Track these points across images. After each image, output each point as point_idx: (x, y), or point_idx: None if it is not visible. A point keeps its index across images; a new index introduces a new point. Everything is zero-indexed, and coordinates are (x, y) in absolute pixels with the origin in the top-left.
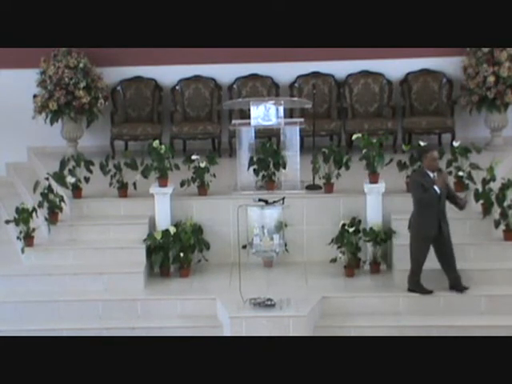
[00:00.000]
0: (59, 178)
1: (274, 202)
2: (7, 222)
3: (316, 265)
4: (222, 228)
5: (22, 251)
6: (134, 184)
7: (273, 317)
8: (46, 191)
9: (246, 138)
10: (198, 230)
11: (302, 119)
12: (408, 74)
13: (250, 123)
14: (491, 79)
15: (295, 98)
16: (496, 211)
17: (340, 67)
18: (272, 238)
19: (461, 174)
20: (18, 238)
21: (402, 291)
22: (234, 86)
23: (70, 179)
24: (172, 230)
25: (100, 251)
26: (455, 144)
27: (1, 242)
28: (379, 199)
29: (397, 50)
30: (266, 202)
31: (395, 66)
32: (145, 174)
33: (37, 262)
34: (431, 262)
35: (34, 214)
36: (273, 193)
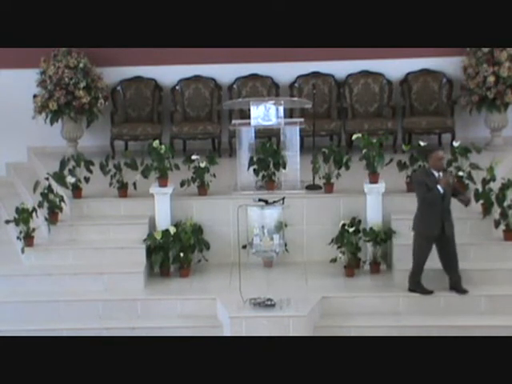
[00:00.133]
0: (59, 178)
1: (274, 202)
2: (7, 221)
3: (316, 265)
4: (221, 228)
5: (22, 251)
6: (134, 184)
7: (273, 317)
8: (46, 191)
9: (246, 138)
10: (198, 230)
11: (301, 119)
12: (408, 74)
13: (250, 123)
14: (491, 79)
15: (295, 98)
16: (496, 211)
17: (340, 67)
18: (272, 238)
19: (461, 173)
20: (18, 238)
21: (402, 291)
22: (234, 85)
23: (70, 179)
24: (172, 229)
25: (100, 251)
26: (455, 144)
27: (1, 242)
28: (379, 199)
29: (397, 50)
30: (266, 202)
31: (395, 66)
32: (145, 174)
33: (37, 262)
34: (432, 261)
35: (34, 214)
36: (273, 193)
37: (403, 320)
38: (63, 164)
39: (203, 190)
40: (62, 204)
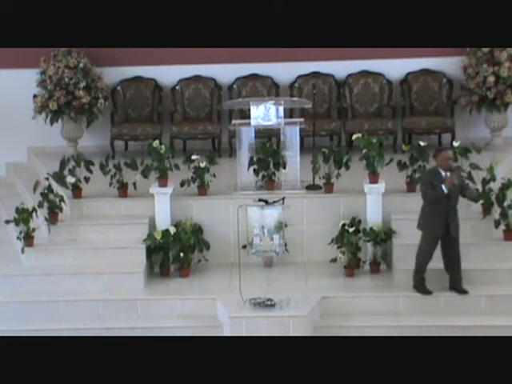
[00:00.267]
0: (59, 178)
1: (274, 202)
2: (7, 221)
3: (316, 265)
4: (221, 228)
5: (22, 251)
6: (134, 184)
7: (273, 317)
8: (46, 191)
9: (246, 138)
10: (198, 230)
11: (301, 119)
12: (408, 74)
13: (250, 123)
14: (491, 79)
15: (295, 98)
16: (496, 211)
17: (340, 67)
18: (272, 238)
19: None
20: (18, 238)
21: (402, 291)
22: (234, 85)
23: (70, 179)
24: (172, 229)
25: (100, 251)
26: (455, 144)
27: (1, 242)
28: (379, 199)
29: (397, 50)
30: (266, 202)
31: (395, 66)
32: (145, 174)
33: (37, 262)
34: (432, 261)
35: (34, 214)
36: (273, 193)
37: (403, 320)
38: (63, 164)
39: (203, 189)
40: (62, 204)
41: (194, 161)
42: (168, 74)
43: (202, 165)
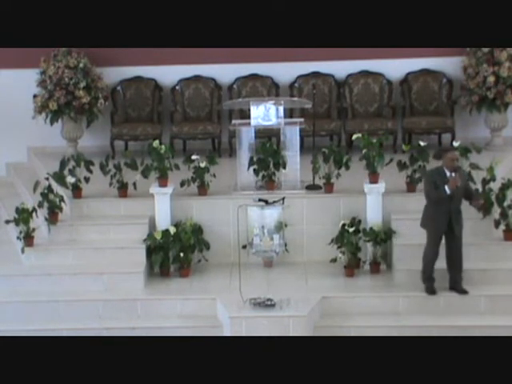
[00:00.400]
0: (59, 178)
1: (274, 202)
2: (7, 221)
3: (316, 265)
4: (221, 228)
5: (22, 251)
6: (134, 184)
7: (273, 317)
8: (46, 191)
9: (246, 138)
10: (198, 230)
11: (301, 119)
12: (408, 73)
13: (250, 123)
14: (491, 79)
15: (295, 98)
16: (496, 211)
17: (340, 67)
18: (272, 238)
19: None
20: (18, 238)
21: (402, 291)
22: (234, 85)
23: (70, 179)
24: (172, 229)
25: (100, 251)
26: (455, 144)
27: (1, 242)
28: (379, 199)
29: (397, 50)
30: (266, 202)
31: (395, 66)
32: (145, 174)
33: (37, 262)
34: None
35: (34, 214)
36: (273, 193)
37: (403, 320)
38: (63, 164)
39: (203, 189)
40: (62, 204)
41: (193, 161)
42: (168, 73)
43: (202, 165)
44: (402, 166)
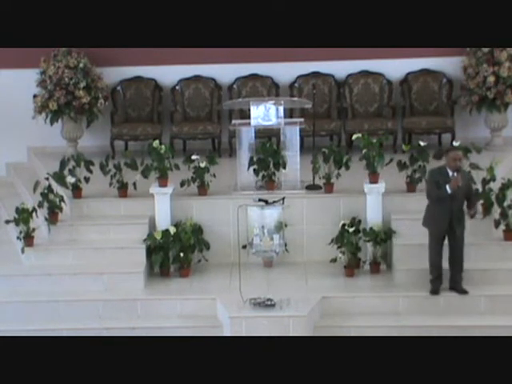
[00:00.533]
0: (59, 178)
1: (274, 202)
2: (7, 221)
3: (316, 265)
4: (221, 228)
5: (22, 251)
6: (134, 184)
7: (273, 317)
8: (46, 191)
9: (246, 138)
10: (198, 230)
11: (301, 119)
12: (408, 73)
13: (250, 123)
14: (491, 79)
15: (295, 98)
16: (496, 211)
17: (340, 67)
18: (272, 238)
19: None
20: (18, 238)
21: (402, 291)
22: (234, 85)
23: (70, 179)
24: (172, 229)
25: (100, 251)
26: (455, 144)
27: (1, 242)
28: (379, 199)
29: (397, 50)
30: (266, 202)
31: (395, 66)
32: (145, 174)
33: (37, 262)
34: None
35: (34, 214)
36: (273, 193)
37: (403, 320)
38: (63, 164)
39: (203, 189)
40: (62, 204)
41: (193, 161)
42: (168, 73)
43: (202, 165)
44: (402, 166)
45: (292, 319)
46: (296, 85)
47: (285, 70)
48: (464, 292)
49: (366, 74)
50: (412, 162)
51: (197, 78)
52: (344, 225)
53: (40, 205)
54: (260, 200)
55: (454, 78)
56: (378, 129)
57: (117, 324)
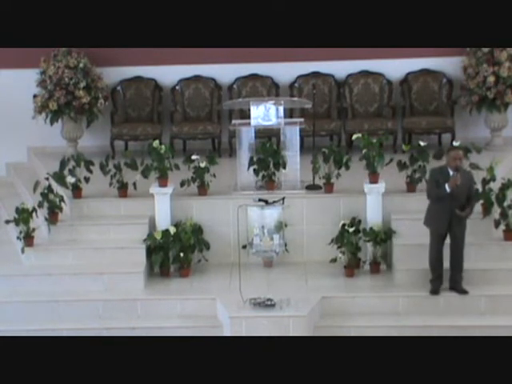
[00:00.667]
0: (59, 178)
1: (274, 202)
2: (7, 222)
3: (316, 265)
4: (221, 228)
5: (22, 251)
6: (134, 184)
7: (273, 317)
8: (46, 191)
9: (246, 138)
10: (198, 230)
11: (301, 119)
12: (408, 73)
13: (250, 123)
14: (491, 79)
15: (295, 98)
16: (496, 211)
17: (340, 67)
18: (272, 238)
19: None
20: (18, 238)
21: (402, 291)
22: (234, 86)
23: (70, 179)
24: (172, 229)
25: (100, 251)
26: (455, 144)
27: (1, 242)
28: (379, 199)
29: (397, 50)
30: (266, 202)
31: (395, 66)
32: (145, 174)
33: (37, 262)
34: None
35: (34, 214)
36: (273, 193)
37: (403, 320)
38: (63, 164)
39: (203, 190)
40: (62, 204)
41: (193, 161)
42: (168, 73)
43: (202, 165)
44: (402, 166)
45: (292, 319)
46: (296, 85)
47: (285, 70)
48: (464, 292)
49: (366, 74)
50: (412, 161)
51: (197, 78)
52: (344, 225)
53: (40, 205)
54: (260, 200)
55: (454, 78)
56: (377, 129)
57: (117, 324)
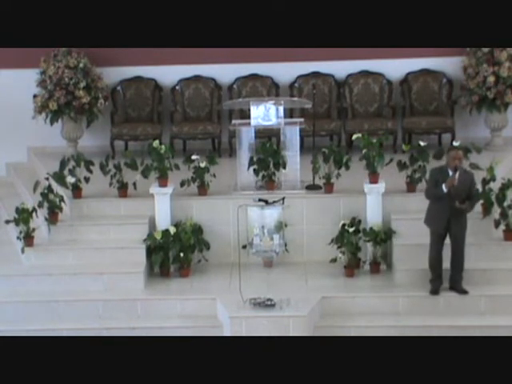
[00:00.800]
0: (59, 178)
1: (274, 202)
2: (7, 222)
3: (316, 265)
4: (221, 228)
5: (22, 251)
6: (134, 184)
7: (273, 317)
8: (46, 191)
9: (246, 138)
10: (198, 230)
11: (301, 119)
12: (408, 73)
13: (250, 123)
14: (491, 79)
15: (295, 98)
16: (496, 211)
17: (340, 67)
18: (272, 238)
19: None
20: (18, 238)
21: (402, 291)
22: (234, 86)
23: (70, 179)
24: (172, 229)
25: (100, 251)
26: (455, 144)
27: (1, 242)
28: (379, 199)
29: (397, 50)
30: (266, 202)
31: (395, 66)
32: (145, 174)
33: (37, 262)
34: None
35: (34, 214)
36: (273, 193)
37: (403, 320)
38: (63, 164)
39: (203, 190)
40: (62, 204)
41: (194, 161)
42: (168, 73)
43: (202, 165)
44: (402, 166)
45: (292, 319)
46: (296, 85)
47: (285, 70)
48: (464, 292)
49: (366, 74)
50: (412, 161)
51: (197, 78)
52: (344, 225)
53: (40, 205)
54: (260, 200)
55: (454, 78)
56: (378, 129)
57: (117, 324)
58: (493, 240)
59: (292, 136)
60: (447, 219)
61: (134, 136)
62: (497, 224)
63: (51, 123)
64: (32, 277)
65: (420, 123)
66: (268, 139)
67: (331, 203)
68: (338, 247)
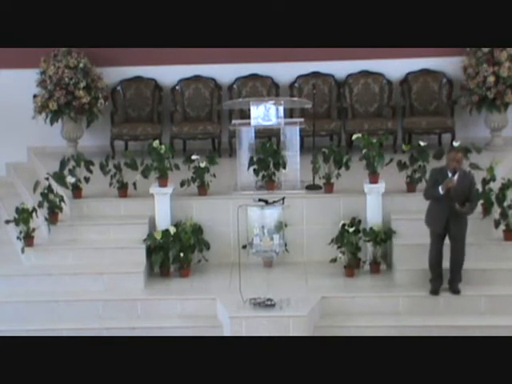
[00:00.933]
0: (59, 178)
1: (274, 202)
2: (7, 222)
3: (316, 265)
4: (221, 228)
5: (22, 251)
6: (134, 184)
7: (273, 317)
8: (46, 191)
9: (246, 138)
10: (198, 230)
11: (301, 119)
12: (408, 73)
13: (250, 123)
14: (491, 79)
15: (295, 98)
16: (496, 211)
17: (340, 67)
18: (272, 238)
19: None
20: (18, 238)
21: (402, 291)
22: (234, 85)
23: (70, 179)
24: (172, 229)
25: (100, 251)
26: (455, 144)
27: (1, 242)
28: (379, 199)
29: (397, 50)
30: (266, 202)
31: (395, 66)
32: (145, 174)
33: (37, 262)
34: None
35: (34, 214)
36: (273, 193)
37: (403, 320)
38: (63, 164)
39: (203, 190)
40: (62, 204)
41: (194, 161)
42: (168, 73)
43: (202, 165)
44: (402, 166)
45: (292, 319)
46: (296, 85)
47: (285, 70)
48: (456, 292)
49: (366, 74)
50: (412, 162)
51: (197, 78)
52: (344, 225)
53: (40, 205)
54: (260, 200)
55: (454, 78)
56: (378, 129)
57: (117, 324)
58: (493, 240)
59: (292, 136)
60: (446, 219)
61: (134, 136)
62: (497, 224)
63: (51, 123)
64: (32, 277)
65: (420, 123)
66: (268, 139)
67: (331, 203)
68: (338, 247)
